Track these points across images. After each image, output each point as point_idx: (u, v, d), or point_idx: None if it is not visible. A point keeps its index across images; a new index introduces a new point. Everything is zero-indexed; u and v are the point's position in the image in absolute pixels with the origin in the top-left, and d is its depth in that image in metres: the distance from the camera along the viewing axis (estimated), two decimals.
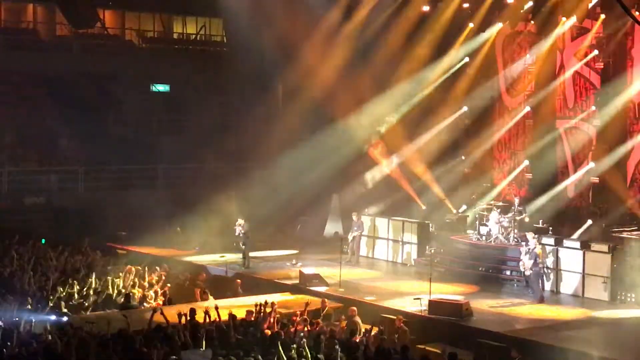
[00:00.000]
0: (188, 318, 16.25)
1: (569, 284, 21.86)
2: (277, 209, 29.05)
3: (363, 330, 17.26)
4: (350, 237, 26.00)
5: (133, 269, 22.09)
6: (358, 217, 26.11)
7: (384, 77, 29.49)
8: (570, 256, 21.88)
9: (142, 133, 33.34)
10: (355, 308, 18.63)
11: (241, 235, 25.25)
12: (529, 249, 21.53)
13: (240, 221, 25.34)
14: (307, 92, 29.25)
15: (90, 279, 20.68)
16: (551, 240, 22.42)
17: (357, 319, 18.09)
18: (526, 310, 20.49)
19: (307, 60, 29.26)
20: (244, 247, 25.21)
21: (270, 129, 32.42)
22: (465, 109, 29.08)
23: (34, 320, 16.24)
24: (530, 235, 21.79)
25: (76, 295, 19.47)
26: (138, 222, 27.61)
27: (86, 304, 19.27)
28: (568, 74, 26.54)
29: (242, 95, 31.95)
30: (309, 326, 16.84)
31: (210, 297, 20.91)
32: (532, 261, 21.38)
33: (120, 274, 21.60)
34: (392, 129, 29.73)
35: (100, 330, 15.31)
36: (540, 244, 21.82)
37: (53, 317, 17.16)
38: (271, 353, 14.05)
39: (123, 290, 20.33)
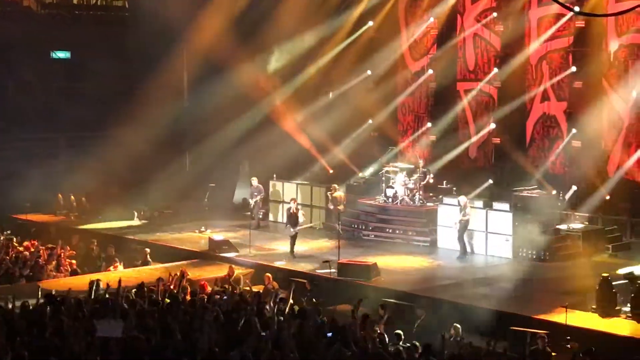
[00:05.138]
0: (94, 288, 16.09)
1: (473, 243, 22.43)
2: (185, 176, 28.91)
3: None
4: (252, 203, 26.06)
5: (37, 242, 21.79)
6: (257, 182, 26.21)
7: (287, 40, 29.47)
8: (474, 215, 22.43)
9: (43, 101, 32.54)
10: (270, 275, 18.80)
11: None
12: (461, 208, 22.00)
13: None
14: (213, 57, 28.99)
15: None
16: (454, 201, 22.93)
17: (274, 284, 18.31)
18: (432, 269, 21.01)
19: (211, 24, 28.98)
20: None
21: (176, 95, 32.11)
22: (369, 72, 29.34)
23: None
24: (462, 199, 22.22)
25: None
26: (42, 193, 27.14)
27: None
28: (469, 37, 27.02)
29: (146, 61, 31.39)
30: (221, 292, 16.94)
31: (120, 267, 20.84)
32: (461, 217, 21.91)
33: (25, 246, 21.29)
34: (298, 93, 29.76)
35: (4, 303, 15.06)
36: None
37: None
38: (186, 321, 14.09)
39: (29, 262, 20.01)
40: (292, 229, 22.35)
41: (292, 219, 22.43)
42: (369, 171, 27.86)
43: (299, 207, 23.23)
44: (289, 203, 23.72)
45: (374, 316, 15.54)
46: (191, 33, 29.65)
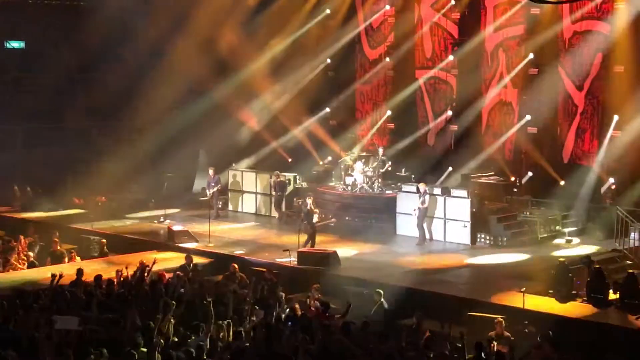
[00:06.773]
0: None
1: (432, 229, 22.56)
2: (142, 166, 28.70)
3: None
4: (209, 193, 25.90)
5: None
6: (214, 172, 26.07)
7: (249, 27, 29.37)
8: (432, 202, 22.55)
9: None
10: (236, 265, 18.73)
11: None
12: (420, 195, 22.05)
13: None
14: (173, 45, 28.79)
15: None
16: (413, 188, 23.04)
17: (240, 274, 18.29)
18: (391, 256, 21.10)
19: (171, 13, 28.76)
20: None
21: (134, 84, 31.83)
22: (328, 61, 29.37)
23: None
24: (422, 186, 22.27)
25: None
26: None
27: None
28: (426, 24, 27.14)
29: (102, 51, 31.08)
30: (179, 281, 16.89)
31: (77, 258, 20.67)
32: (420, 205, 21.96)
33: None
34: (257, 81, 29.66)
35: None
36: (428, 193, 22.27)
37: None
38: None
39: None
40: (309, 226, 21.38)
41: (308, 217, 21.53)
42: (327, 159, 27.90)
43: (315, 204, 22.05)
44: (305, 200, 22.29)
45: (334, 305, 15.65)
46: (147, 21, 29.40)
